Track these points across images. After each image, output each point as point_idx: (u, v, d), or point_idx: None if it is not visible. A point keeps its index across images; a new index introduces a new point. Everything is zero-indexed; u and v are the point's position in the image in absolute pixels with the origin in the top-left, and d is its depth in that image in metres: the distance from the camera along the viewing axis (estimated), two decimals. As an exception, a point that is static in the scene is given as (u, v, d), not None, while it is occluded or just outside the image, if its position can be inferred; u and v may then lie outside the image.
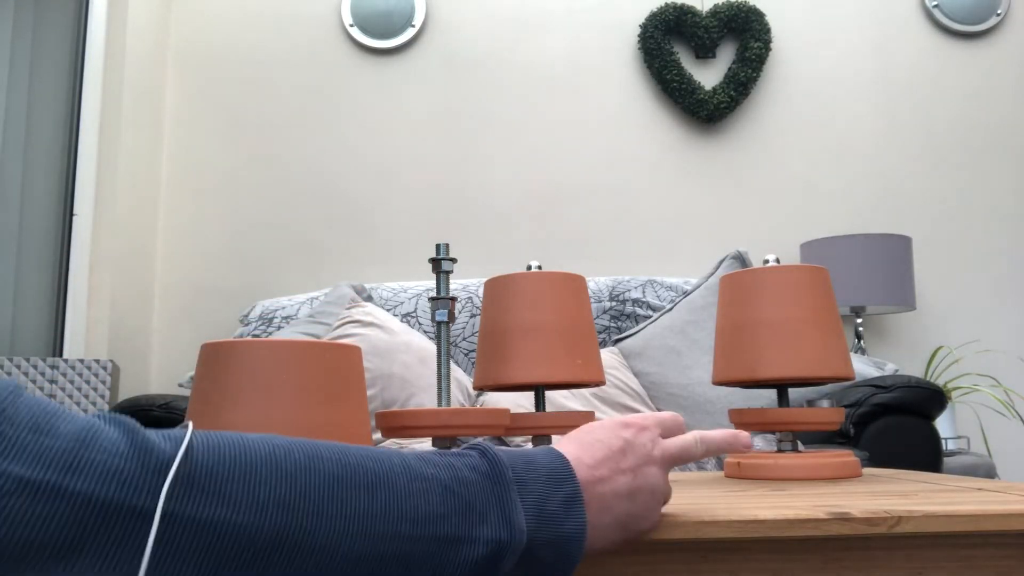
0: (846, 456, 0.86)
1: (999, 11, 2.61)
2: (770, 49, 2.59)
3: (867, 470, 0.99)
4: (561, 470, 0.47)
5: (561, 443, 0.51)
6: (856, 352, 2.33)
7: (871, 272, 2.24)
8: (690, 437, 0.54)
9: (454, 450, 0.46)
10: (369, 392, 1.84)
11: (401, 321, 2.11)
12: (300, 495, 0.39)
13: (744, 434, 0.57)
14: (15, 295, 2.12)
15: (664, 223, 2.56)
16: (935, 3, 2.62)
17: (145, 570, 0.34)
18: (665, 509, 0.57)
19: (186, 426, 0.39)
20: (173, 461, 0.36)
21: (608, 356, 1.98)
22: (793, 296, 0.89)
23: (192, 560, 0.35)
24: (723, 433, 0.56)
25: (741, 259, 2.02)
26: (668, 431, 0.54)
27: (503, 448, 0.47)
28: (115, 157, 2.35)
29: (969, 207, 2.55)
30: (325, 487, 0.40)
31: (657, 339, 1.97)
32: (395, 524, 0.40)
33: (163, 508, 0.35)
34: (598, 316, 2.15)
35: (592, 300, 2.18)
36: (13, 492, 0.32)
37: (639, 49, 2.62)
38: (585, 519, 0.46)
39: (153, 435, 0.37)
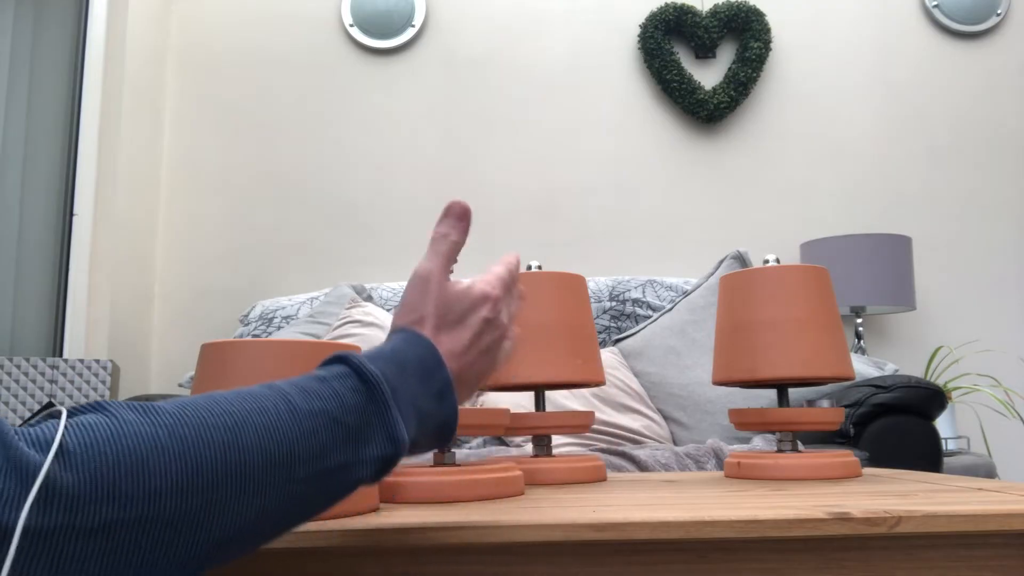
0: (846, 456, 0.86)
1: (999, 11, 2.61)
2: (770, 49, 2.59)
3: (867, 470, 0.99)
4: (432, 363, 0.51)
5: (425, 324, 0.54)
6: (856, 352, 2.33)
7: (871, 272, 2.24)
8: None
9: (327, 371, 0.47)
10: (369, 392, 1.84)
11: (401, 321, 2.10)
12: (194, 472, 0.38)
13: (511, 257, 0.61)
14: (15, 295, 2.12)
15: (664, 223, 2.56)
16: (935, 3, 2.62)
17: None
18: (666, 512, 0.58)
19: (58, 420, 0.37)
20: (37, 468, 0.34)
21: (608, 356, 1.98)
22: (793, 296, 0.89)
23: (93, 566, 0.34)
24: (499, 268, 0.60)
25: (741, 259, 2.02)
26: (511, 284, 0.59)
27: (373, 352, 0.49)
28: (115, 157, 2.35)
29: (969, 207, 2.55)
30: (219, 457, 0.39)
31: (657, 339, 1.97)
32: (290, 470, 0.41)
33: (47, 523, 0.33)
34: (598, 316, 2.15)
35: (592, 300, 2.18)
36: None
37: (639, 49, 2.62)
38: (456, 404, 0.51)
39: (24, 446, 0.35)
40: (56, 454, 0.35)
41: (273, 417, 0.42)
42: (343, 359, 0.48)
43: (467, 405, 0.57)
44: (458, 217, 0.58)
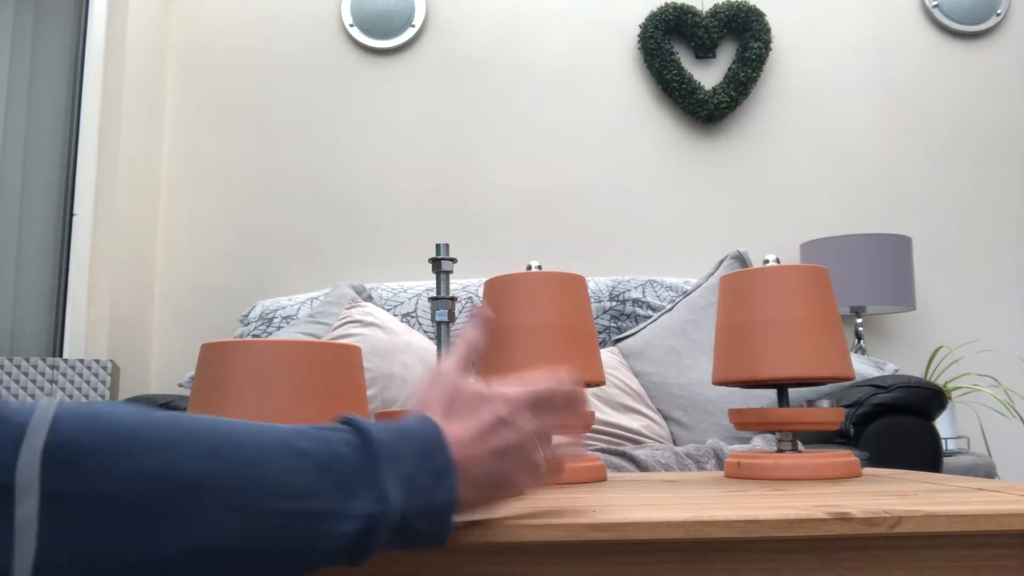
0: (846, 456, 0.86)
1: (999, 11, 2.61)
2: (770, 49, 2.59)
3: (867, 470, 0.99)
4: (434, 440, 0.48)
5: (432, 408, 0.52)
6: (856, 352, 2.33)
7: (871, 272, 2.24)
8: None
9: (328, 424, 0.46)
10: (369, 392, 1.84)
11: (401, 321, 2.11)
12: (171, 467, 0.38)
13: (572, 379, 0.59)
14: (15, 295, 2.12)
15: (664, 223, 2.56)
16: (935, 3, 2.62)
17: (16, 544, 0.34)
18: (666, 512, 0.58)
19: (52, 398, 0.39)
20: (27, 432, 0.35)
21: (608, 356, 1.98)
22: (793, 296, 0.89)
23: (61, 532, 0.35)
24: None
25: (741, 259, 2.02)
26: (546, 406, 0.56)
27: (377, 423, 0.48)
28: (115, 157, 2.35)
29: (969, 207, 2.55)
30: (198, 460, 0.39)
31: (657, 339, 1.97)
32: (268, 499, 0.40)
33: (18, 480, 0.34)
34: (598, 316, 2.15)
35: (592, 300, 2.18)
36: None
37: (639, 49, 2.62)
38: (455, 492, 0.47)
39: (11, 406, 0.36)
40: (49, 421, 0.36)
41: (261, 442, 0.42)
42: (346, 418, 0.47)
43: (474, 516, 0.55)
44: (482, 324, 0.58)
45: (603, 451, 1.41)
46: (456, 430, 0.50)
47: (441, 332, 0.81)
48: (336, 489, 0.42)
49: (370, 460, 0.44)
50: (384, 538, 0.44)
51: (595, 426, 1.78)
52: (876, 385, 1.60)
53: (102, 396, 1.86)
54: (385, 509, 0.44)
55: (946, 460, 1.92)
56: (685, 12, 2.59)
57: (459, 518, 0.50)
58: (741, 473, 0.88)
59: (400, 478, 0.45)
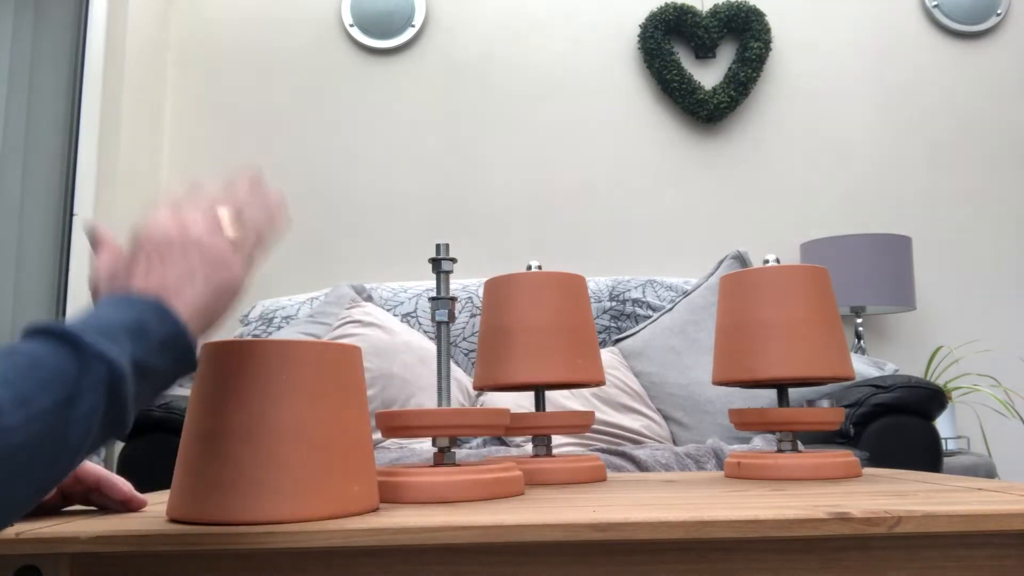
0: (846, 456, 0.86)
1: (999, 11, 2.61)
2: (770, 49, 2.59)
3: (867, 470, 0.99)
4: (128, 295, 0.50)
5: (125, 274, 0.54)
6: (856, 352, 2.33)
7: (871, 272, 2.24)
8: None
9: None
10: (369, 392, 1.84)
11: (401, 321, 2.11)
12: None
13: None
14: (15, 295, 2.12)
15: (664, 223, 2.56)
16: (935, 3, 2.62)
17: None
18: (666, 512, 0.57)
19: None
20: None
21: (608, 356, 1.98)
22: (793, 296, 0.89)
23: None
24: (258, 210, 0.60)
25: (741, 259, 2.02)
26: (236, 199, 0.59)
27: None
28: (115, 157, 2.35)
29: (969, 207, 2.55)
30: None
31: (657, 339, 1.97)
32: (9, 417, 0.41)
33: None
34: (598, 316, 2.15)
35: (592, 300, 2.18)
36: None
37: (639, 49, 2.62)
38: (179, 316, 0.50)
39: None
40: None
41: None
42: (26, 329, 0.48)
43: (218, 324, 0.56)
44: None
45: (603, 451, 1.41)
46: (136, 280, 0.53)
47: (441, 332, 0.81)
48: (56, 377, 0.43)
49: (71, 338, 0.45)
50: (128, 390, 0.46)
51: (595, 426, 1.78)
52: (876, 385, 1.60)
53: (102, 396, 1.86)
54: (111, 366, 0.45)
55: (946, 460, 1.92)
56: (685, 12, 2.59)
57: (203, 332, 0.53)
58: (741, 473, 0.88)
59: (111, 335, 0.46)
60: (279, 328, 2.17)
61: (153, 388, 0.49)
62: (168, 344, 0.50)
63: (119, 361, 0.45)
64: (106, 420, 0.45)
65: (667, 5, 2.59)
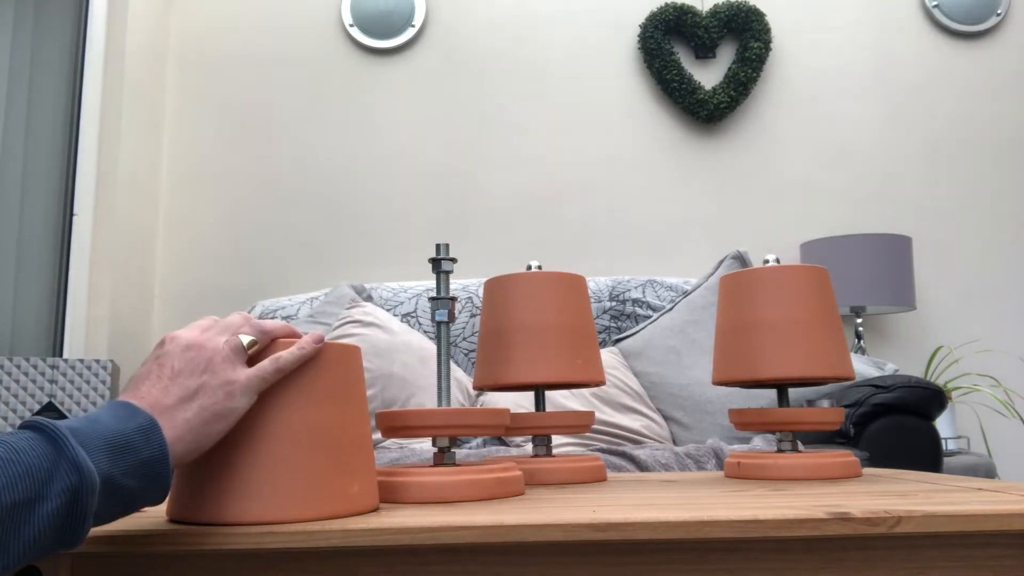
0: (846, 456, 0.86)
1: (999, 11, 2.61)
2: (770, 49, 2.59)
3: (867, 470, 0.99)
4: (127, 408, 0.51)
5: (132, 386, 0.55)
6: (856, 352, 2.33)
7: (871, 272, 2.24)
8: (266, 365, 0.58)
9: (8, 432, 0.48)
10: (369, 392, 1.84)
11: (401, 321, 2.11)
12: None
13: (315, 334, 0.61)
14: (15, 295, 2.12)
15: (664, 223, 2.56)
16: (935, 3, 2.62)
17: None
18: (666, 512, 0.57)
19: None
20: None
21: (608, 356, 1.98)
22: (793, 296, 0.89)
23: None
24: (294, 350, 0.59)
25: (741, 259, 2.02)
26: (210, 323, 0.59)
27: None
28: (115, 157, 2.35)
29: (969, 207, 2.55)
30: None
31: (657, 339, 1.97)
32: None
33: None
34: (598, 316, 2.15)
35: (592, 300, 2.18)
36: None
37: (639, 49, 2.62)
38: (165, 442, 0.51)
39: None
40: None
41: None
42: (25, 422, 0.49)
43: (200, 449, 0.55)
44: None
45: (603, 451, 1.41)
46: (144, 389, 0.53)
47: (441, 332, 0.81)
48: (26, 476, 0.44)
49: (55, 440, 0.46)
50: (91, 504, 0.46)
51: (595, 426, 1.78)
52: (876, 385, 1.60)
53: (102, 396, 1.86)
54: (82, 477, 0.45)
55: (946, 460, 1.92)
56: (685, 12, 2.59)
57: (185, 457, 0.53)
58: (741, 473, 0.88)
59: (97, 446, 0.47)
60: (279, 328, 2.17)
61: (117, 507, 0.49)
62: (145, 467, 0.50)
63: (91, 475, 0.46)
64: (61, 528, 0.45)
65: (667, 5, 2.59)
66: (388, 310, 2.16)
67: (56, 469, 0.45)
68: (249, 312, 2.28)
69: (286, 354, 0.58)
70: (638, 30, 2.63)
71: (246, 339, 0.58)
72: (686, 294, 2.07)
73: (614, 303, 2.16)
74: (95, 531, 0.54)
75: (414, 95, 2.64)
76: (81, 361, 1.87)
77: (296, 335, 0.62)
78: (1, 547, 0.43)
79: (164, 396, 0.53)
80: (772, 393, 1.79)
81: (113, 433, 0.48)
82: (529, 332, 0.92)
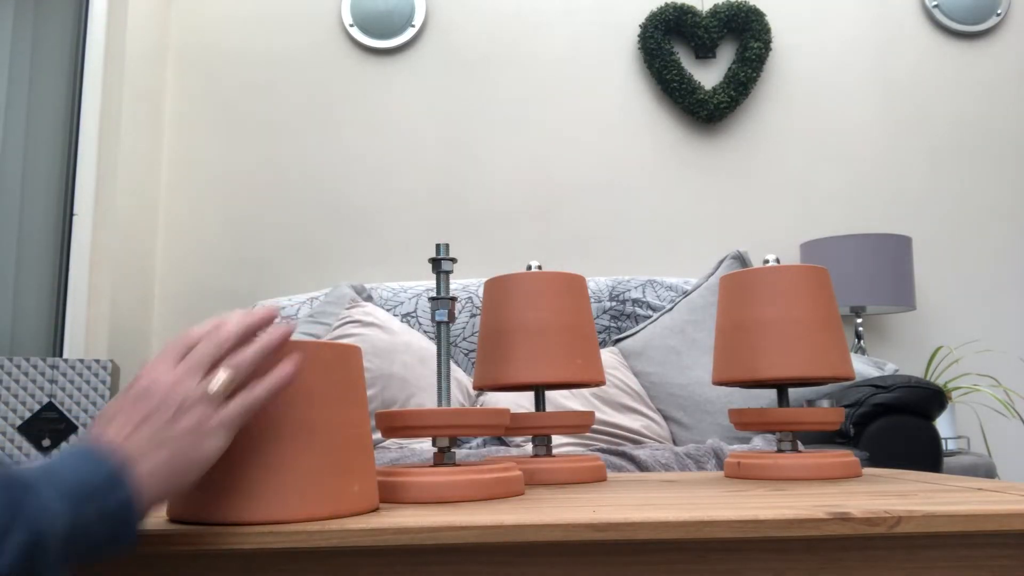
0: (846, 456, 0.86)
1: (999, 11, 2.61)
2: (770, 49, 2.59)
3: (867, 470, 0.99)
4: (93, 451, 0.49)
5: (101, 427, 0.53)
6: (856, 352, 2.33)
7: (871, 272, 2.24)
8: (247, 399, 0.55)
9: None
10: (369, 392, 1.84)
11: (401, 321, 2.11)
12: None
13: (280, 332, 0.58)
14: (15, 295, 2.12)
15: (664, 223, 2.56)
16: (935, 3, 2.62)
17: None
18: (666, 512, 0.57)
19: None
20: None
21: (608, 356, 1.98)
22: (793, 296, 0.89)
23: None
24: (266, 385, 0.57)
25: (741, 259, 2.02)
26: (194, 350, 0.56)
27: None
28: (115, 157, 2.35)
29: (969, 207, 2.55)
30: None
31: (657, 339, 1.97)
32: None
33: None
34: (598, 316, 2.15)
35: (592, 300, 2.18)
36: None
37: (639, 49, 2.62)
38: (130, 491, 0.48)
39: None
40: None
41: None
42: None
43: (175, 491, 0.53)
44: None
45: (603, 451, 1.41)
46: (112, 432, 0.51)
47: (441, 332, 0.81)
48: None
49: (12, 492, 0.43)
50: (54, 556, 0.44)
51: (595, 426, 1.78)
52: (876, 385, 1.60)
53: (102, 396, 1.86)
54: (38, 534, 0.43)
55: (946, 460, 1.92)
56: (685, 12, 2.59)
57: (156, 503, 0.51)
58: (741, 473, 0.88)
59: (57, 494, 0.45)
60: (279, 328, 2.17)
61: (80, 556, 0.47)
62: (110, 517, 0.48)
63: (49, 531, 0.43)
64: None
65: (667, 5, 2.59)
66: (388, 310, 2.16)
67: (13, 523, 0.42)
68: (249, 312, 2.28)
69: (258, 390, 0.56)
70: (638, 30, 2.63)
71: (220, 382, 0.55)
72: (686, 294, 2.07)
73: (614, 303, 2.16)
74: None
75: (414, 95, 2.64)
76: (81, 361, 1.87)
77: (272, 321, 0.60)
78: None
79: (134, 441, 0.51)
80: (772, 393, 1.79)
81: (76, 480, 0.46)
82: (529, 332, 0.92)
